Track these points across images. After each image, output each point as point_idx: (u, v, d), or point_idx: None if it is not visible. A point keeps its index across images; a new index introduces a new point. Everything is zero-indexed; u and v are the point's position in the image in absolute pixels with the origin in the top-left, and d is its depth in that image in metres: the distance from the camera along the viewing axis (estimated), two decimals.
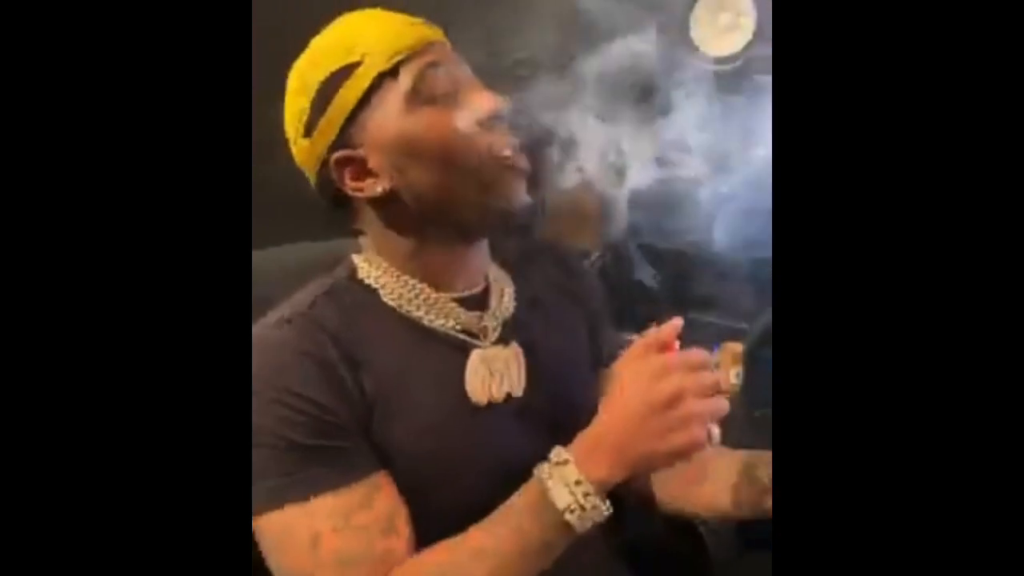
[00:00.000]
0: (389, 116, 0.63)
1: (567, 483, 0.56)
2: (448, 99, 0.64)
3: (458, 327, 0.68)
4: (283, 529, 0.58)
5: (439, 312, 0.68)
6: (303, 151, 0.67)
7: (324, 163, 0.66)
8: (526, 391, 0.69)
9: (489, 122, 0.64)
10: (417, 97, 0.63)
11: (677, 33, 1.41)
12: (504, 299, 0.72)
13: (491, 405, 0.67)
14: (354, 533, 0.58)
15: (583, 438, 0.58)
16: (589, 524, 0.57)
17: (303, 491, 0.58)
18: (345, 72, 0.63)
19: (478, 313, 0.69)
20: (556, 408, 0.69)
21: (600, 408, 0.59)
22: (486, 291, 0.71)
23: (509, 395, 0.68)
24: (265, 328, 0.63)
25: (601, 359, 0.80)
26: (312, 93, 0.64)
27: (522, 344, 0.70)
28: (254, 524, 0.59)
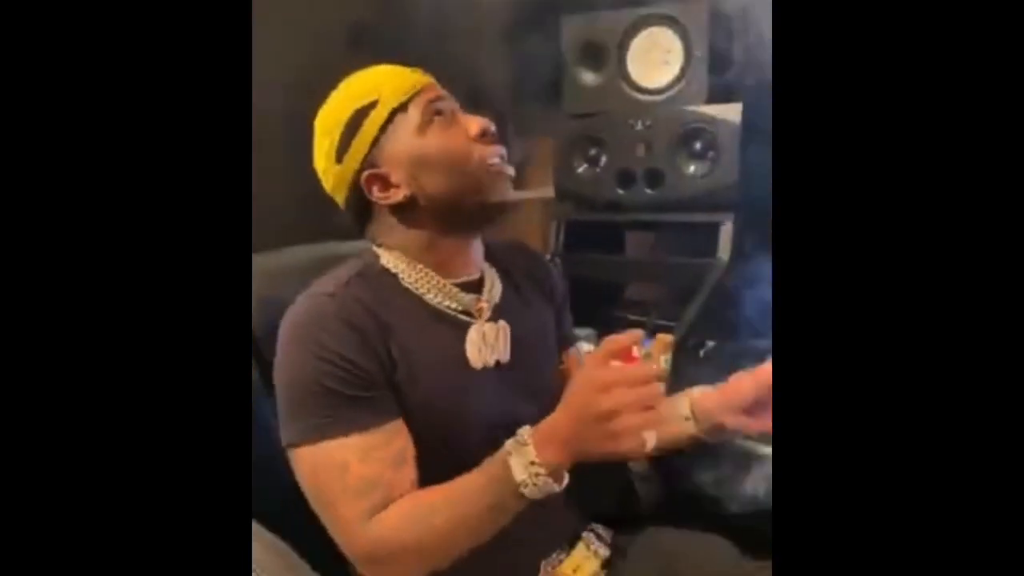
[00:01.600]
0: (404, 140, 0.82)
1: (525, 462, 0.68)
2: (446, 123, 0.83)
3: (459, 307, 0.85)
4: (321, 458, 0.74)
5: (445, 295, 0.85)
6: (335, 176, 0.85)
7: (354, 183, 0.84)
8: (509, 359, 0.87)
9: (479, 137, 0.83)
10: (424, 124, 0.82)
11: (616, 68, 1.62)
12: (494, 286, 0.90)
13: (484, 369, 0.85)
14: (373, 465, 0.74)
15: (542, 427, 0.70)
16: (540, 496, 0.69)
17: (341, 430, 0.73)
18: (366, 110, 0.82)
19: (475, 296, 0.87)
20: (529, 373, 0.88)
21: (560, 402, 0.71)
22: (480, 279, 0.89)
23: (497, 362, 0.86)
24: (310, 298, 0.79)
25: (563, 337, 1.00)
26: (340, 128, 0.82)
27: (507, 322, 0.88)
28: (291, 455, 0.75)
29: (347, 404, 0.74)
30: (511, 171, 0.85)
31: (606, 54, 1.64)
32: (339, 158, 0.83)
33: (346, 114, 0.82)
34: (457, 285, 0.86)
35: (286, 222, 1.19)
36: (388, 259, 0.85)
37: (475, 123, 0.84)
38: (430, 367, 0.80)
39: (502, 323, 0.87)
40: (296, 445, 0.75)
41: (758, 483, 0.99)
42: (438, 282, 0.85)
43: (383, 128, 0.82)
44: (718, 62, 1.57)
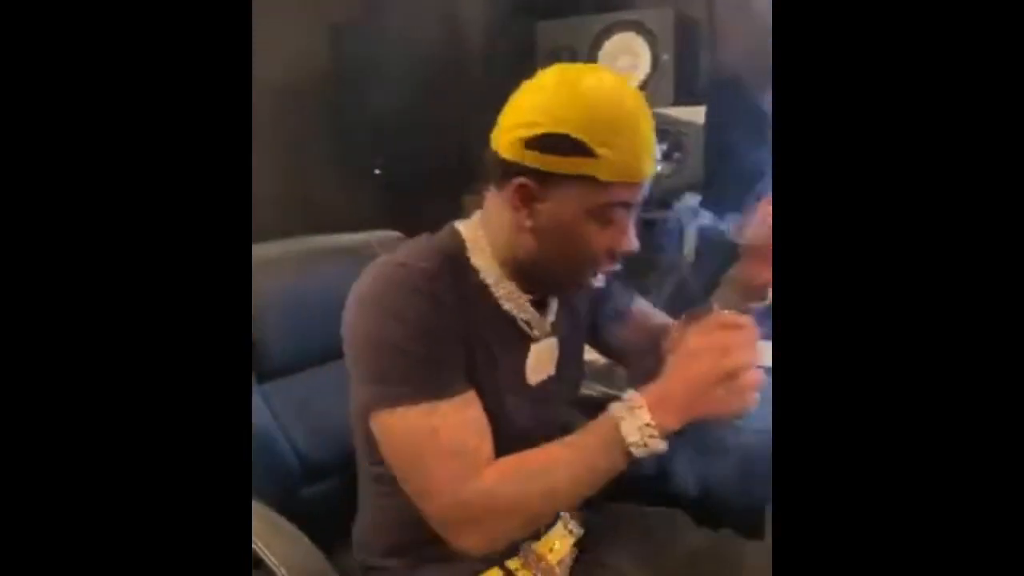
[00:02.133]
0: (569, 208, 0.77)
1: (639, 424, 0.71)
2: (607, 223, 0.78)
3: (526, 319, 0.86)
4: (413, 421, 0.75)
5: (518, 306, 0.85)
6: (516, 151, 0.76)
7: (516, 167, 0.77)
8: (554, 373, 0.91)
9: (613, 256, 0.82)
10: (592, 217, 0.78)
11: None
12: (554, 305, 0.92)
13: (528, 381, 0.88)
14: (460, 431, 0.76)
15: (654, 390, 0.73)
16: (647, 456, 0.72)
17: (432, 394, 0.75)
18: (582, 149, 0.74)
19: (539, 314, 0.87)
20: (567, 386, 0.94)
21: (669, 366, 0.73)
22: (544, 298, 0.91)
23: (550, 377, 0.90)
24: (404, 268, 0.79)
25: (617, 308, 1.02)
26: (549, 131, 0.75)
27: (559, 339, 0.90)
28: (376, 417, 0.77)
29: (437, 371, 0.77)
30: (603, 281, 0.86)
31: (578, 57, 1.71)
32: (532, 144, 0.76)
33: (565, 130, 0.75)
34: (529, 300, 0.87)
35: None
36: (475, 251, 0.85)
37: (624, 240, 0.81)
38: (495, 364, 0.83)
39: (554, 340, 0.90)
40: (382, 407, 0.77)
41: (714, 466, 1.06)
42: (513, 293, 0.85)
43: (575, 178, 0.76)
44: (684, 66, 1.65)
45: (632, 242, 0.81)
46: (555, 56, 1.72)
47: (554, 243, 0.79)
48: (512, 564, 0.87)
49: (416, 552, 0.86)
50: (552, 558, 0.91)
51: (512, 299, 0.85)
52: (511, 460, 0.77)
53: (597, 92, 0.77)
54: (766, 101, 0.83)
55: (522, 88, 0.80)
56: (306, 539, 0.82)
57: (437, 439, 0.75)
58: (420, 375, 0.76)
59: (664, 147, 1.63)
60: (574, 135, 0.74)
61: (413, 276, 0.78)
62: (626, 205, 0.79)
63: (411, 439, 0.76)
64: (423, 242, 0.85)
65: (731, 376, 0.70)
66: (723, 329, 0.73)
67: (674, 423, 0.72)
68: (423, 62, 1.76)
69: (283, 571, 0.77)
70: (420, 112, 1.72)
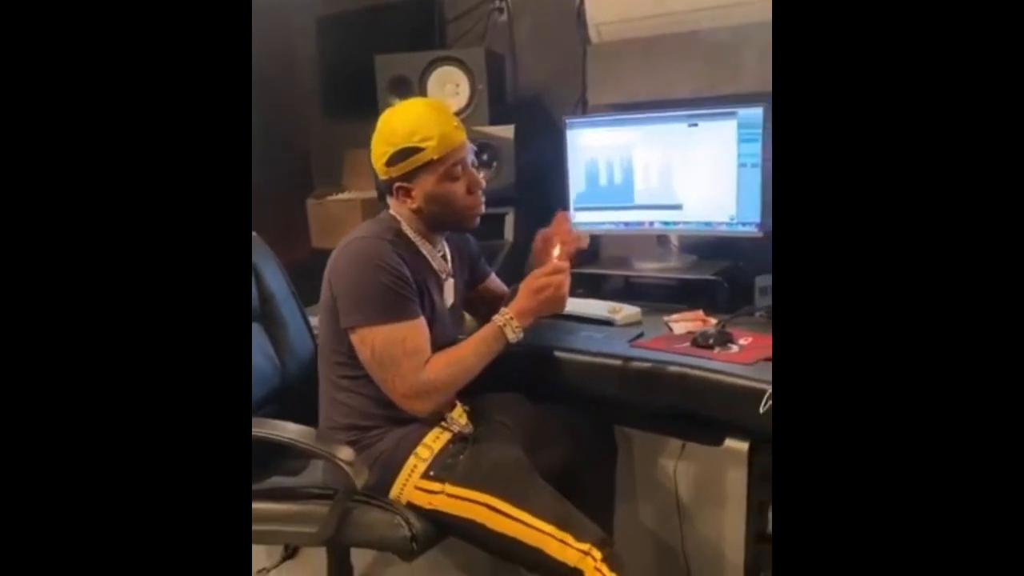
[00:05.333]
0: (430, 181, 1.34)
1: (513, 326, 1.33)
2: (457, 176, 1.36)
3: (438, 267, 1.43)
4: (387, 334, 1.27)
5: (434, 258, 1.42)
6: (383, 172, 1.35)
7: (389, 180, 1.35)
8: (453, 301, 1.48)
9: (471, 192, 1.38)
10: (446, 176, 1.35)
11: (418, 96, 2.09)
12: (450, 253, 1.46)
13: (447, 307, 1.45)
14: (416, 339, 1.29)
15: (513, 307, 1.34)
16: (515, 340, 1.33)
17: (400, 316, 1.28)
18: (414, 151, 1.31)
19: (445, 262, 1.45)
20: (459, 309, 1.49)
21: (520, 294, 1.35)
22: (446, 253, 1.45)
23: (453, 303, 1.48)
24: (372, 239, 1.30)
25: (485, 273, 1.62)
26: (394, 150, 1.31)
27: (454, 280, 1.47)
28: (358, 333, 1.28)
29: (403, 302, 1.29)
30: (483, 209, 1.42)
31: (410, 85, 2.10)
32: (389, 163, 1.33)
33: (401, 144, 1.31)
34: (438, 252, 1.43)
35: None
36: (407, 228, 1.39)
37: (473, 182, 1.38)
38: (430, 296, 1.37)
39: (452, 280, 1.48)
40: (367, 325, 1.27)
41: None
42: (429, 249, 1.41)
43: (422, 167, 1.32)
44: (495, 92, 2.09)
45: (477, 180, 1.38)
46: (393, 83, 2.11)
47: (436, 206, 1.36)
48: (442, 425, 1.38)
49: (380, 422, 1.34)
50: (462, 421, 1.43)
51: (431, 253, 1.38)
52: (443, 354, 1.32)
53: (401, 114, 1.35)
54: (562, 119, 1.73)
55: (375, 133, 1.36)
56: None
57: (404, 345, 1.27)
58: (394, 305, 1.27)
59: (485, 157, 2.07)
60: (403, 146, 1.30)
61: (382, 242, 1.26)
62: (459, 162, 1.34)
63: (387, 346, 1.27)
64: (375, 224, 1.33)
65: (556, 290, 1.35)
66: (546, 275, 1.36)
67: (527, 322, 1.35)
68: (268, 89, 2.07)
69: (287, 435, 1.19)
70: (263, 129, 2.04)
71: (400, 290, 1.27)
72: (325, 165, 2.62)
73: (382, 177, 1.36)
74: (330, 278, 1.31)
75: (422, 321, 1.31)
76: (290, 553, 2.01)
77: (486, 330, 1.33)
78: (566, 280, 1.36)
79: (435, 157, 1.31)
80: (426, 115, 1.33)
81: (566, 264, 1.38)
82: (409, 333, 1.28)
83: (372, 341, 1.27)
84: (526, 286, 1.35)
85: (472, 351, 1.32)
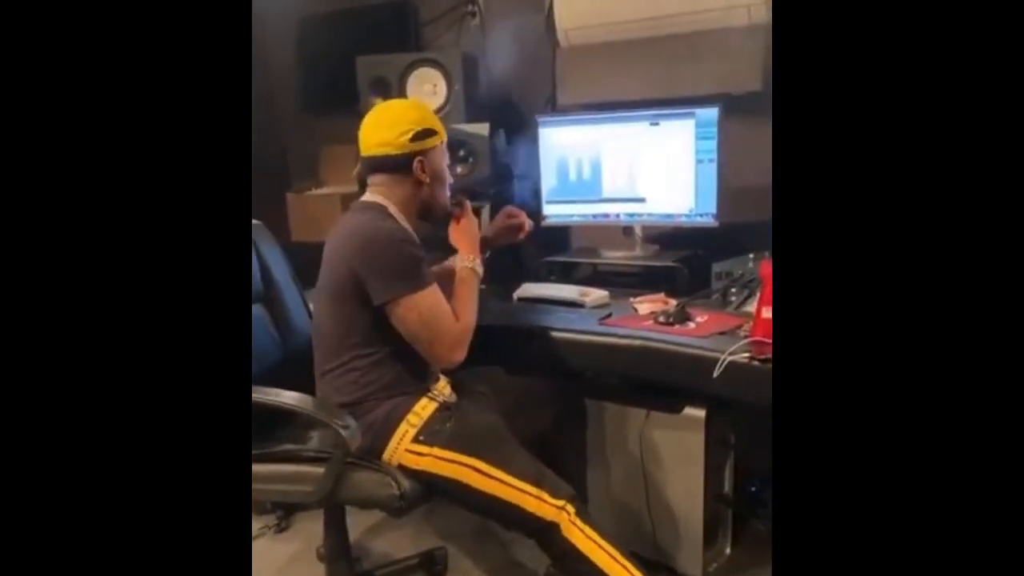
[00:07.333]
0: (439, 160, 1.56)
1: (478, 265, 1.56)
2: (447, 163, 1.61)
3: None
4: (428, 299, 1.42)
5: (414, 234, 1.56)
6: (405, 147, 1.50)
7: (406, 155, 1.50)
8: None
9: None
10: (445, 159, 1.59)
11: (398, 96, 2.22)
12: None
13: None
14: (442, 301, 1.45)
15: (463, 256, 1.56)
16: (481, 271, 1.56)
17: (430, 283, 1.44)
18: (431, 132, 1.53)
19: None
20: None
21: (457, 245, 1.59)
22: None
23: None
24: (385, 223, 1.46)
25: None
26: (418, 128, 1.50)
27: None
28: (399, 303, 1.41)
29: (428, 268, 1.46)
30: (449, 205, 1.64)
31: (390, 85, 2.22)
32: (415, 139, 1.50)
33: (424, 124, 1.51)
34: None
35: None
36: (395, 213, 1.52)
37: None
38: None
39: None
40: (411, 293, 1.41)
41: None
42: (413, 226, 1.57)
43: (433, 148, 1.54)
44: (470, 92, 2.23)
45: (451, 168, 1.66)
46: (374, 83, 2.23)
47: (436, 185, 1.55)
48: (430, 396, 1.50)
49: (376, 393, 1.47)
50: (447, 392, 1.55)
51: (409, 228, 1.52)
52: (455, 306, 1.48)
53: (404, 106, 1.62)
54: (533, 118, 1.91)
55: (378, 120, 1.49)
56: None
57: (441, 305, 1.45)
58: (426, 272, 1.44)
59: (461, 153, 2.20)
60: (426, 126, 1.51)
61: (392, 222, 1.45)
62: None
63: (432, 308, 1.44)
64: (368, 211, 1.48)
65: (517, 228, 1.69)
66: (508, 216, 1.70)
67: (478, 255, 1.58)
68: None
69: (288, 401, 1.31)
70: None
71: (424, 259, 1.45)
72: (303, 161, 2.73)
73: (401, 151, 1.50)
74: (350, 263, 1.41)
75: (437, 287, 1.51)
76: (283, 527, 2.12)
77: (461, 276, 1.55)
78: (523, 222, 1.71)
79: (443, 139, 1.55)
80: (426, 109, 1.60)
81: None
82: (439, 295, 1.46)
83: (418, 306, 1.41)
84: (453, 231, 1.62)
85: (468, 295, 1.51)
